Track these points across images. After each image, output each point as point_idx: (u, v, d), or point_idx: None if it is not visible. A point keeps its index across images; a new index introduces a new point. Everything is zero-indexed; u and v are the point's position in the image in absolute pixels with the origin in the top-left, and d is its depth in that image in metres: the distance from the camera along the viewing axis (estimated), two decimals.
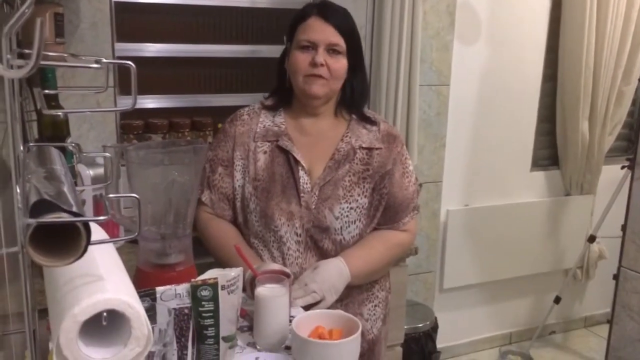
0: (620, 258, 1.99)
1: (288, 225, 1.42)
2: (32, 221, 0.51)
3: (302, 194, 1.43)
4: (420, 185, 1.58)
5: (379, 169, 1.47)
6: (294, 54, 1.44)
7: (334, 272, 1.38)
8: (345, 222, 1.44)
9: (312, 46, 1.41)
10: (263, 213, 1.43)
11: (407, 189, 1.51)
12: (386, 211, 1.49)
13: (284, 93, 1.52)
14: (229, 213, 1.50)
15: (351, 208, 1.44)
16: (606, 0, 2.75)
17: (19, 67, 0.51)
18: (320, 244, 1.44)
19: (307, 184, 1.44)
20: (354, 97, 1.51)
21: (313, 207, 1.43)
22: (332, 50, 1.41)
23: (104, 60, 0.58)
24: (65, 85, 1.95)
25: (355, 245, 1.46)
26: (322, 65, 1.40)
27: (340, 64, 1.43)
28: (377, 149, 1.48)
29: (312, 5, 1.46)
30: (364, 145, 1.48)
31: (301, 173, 1.44)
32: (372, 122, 1.52)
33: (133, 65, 0.61)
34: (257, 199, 1.44)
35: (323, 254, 1.45)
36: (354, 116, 1.52)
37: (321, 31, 1.41)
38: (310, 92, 1.43)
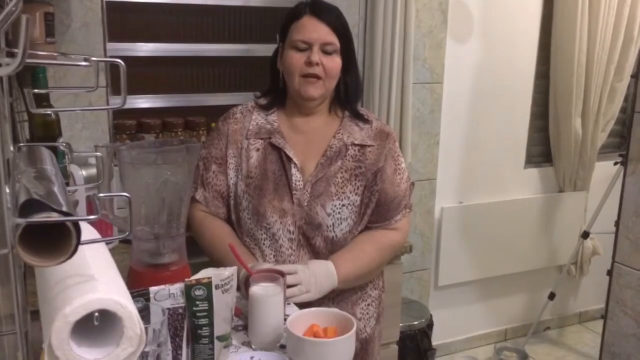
0: (614, 254, 1.99)
1: (280, 223, 1.42)
2: (22, 221, 0.51)
3: (294, 191, 1.43)
4: (413, 183, 1.58)
5: (371, 167, 1.47)
6: (288, 54, 1.43)
7: (323, 272, 1.38)
8: (337, 219, 1.44)
9: (307, 46, 1.41)
10: (255, 210, 1.43)
11: (398, 185, 1.50)
12: (377, 208, 1.49)
13: (277, 93, 1.52)
14: (223, 211, 1.50)
15: (343, 205, 1.44)
16: None
17: (7, 65, 0.51)
18: (312, 241, 1.44)
19: (299, 181, 1.44)
20: (348, 94, 1.51)
21: (305, 204, 1.43)
22: (326, 49, 1.41)
23: (93, 58, 0.57)
24: (56, 86, 1.94)
25: (345, 248, 1.46)
26: (317, 64, 1.40)
27: (335, 62, 1.43)
28: (369, 146, 1.48)
29: (305, 4, 1.45)
30: (356, 142, 1.48)
31: (293, 170, 1.44)
32: (365, 120, 1.52)
33: (122, 63, 0.60)
34: (249, 196, 1.44)
35: (315, 251, 1.45)
36: (346, 113, 1.52)
37: (315, 30, 1.41)
38: (306, 94, 1.42)
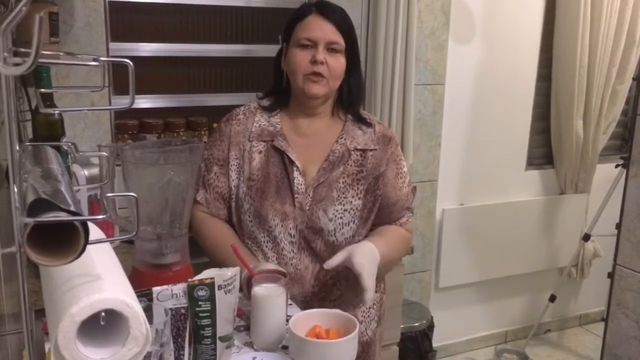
0: (615, 256, 1.99)
1: (282, 226, 1.42)
2: (30, 220, 0.51)
3: (296, 195, 1.42)
4: (415, 187, 1.57)
5: (373, 171, 1.46)
6: (293, 52, 1.43)
7: (375, 261, 1.32)
8: (339, 223, 1.43)
9: (312, 44, 1.40)
10: (257, 213, 1.43)
11: (400, 189, 1.50)
12: (380, 211, 1.49)
13: (281, 94, 1.51)
14: (224, 212, 1.49)
15: (345, 210, 1.43)
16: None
17: (16, 64, 0.51)
18: (313, 245, 1.43)
19: (301, 184, 1.43)
20: (351, 96, 1.50)
21: (307, 208, 1.42)
22: (331, 48, 1.41)
23: (102, 58, 0.58)
24: (59, 85, 1.94)
25: (373, 235, 1.44)
26: (322, 63, 1.39)
27: (339, 62, 1.42)
28: (371, 150, 1.47)
29: (310, 4, 1.45)
30: (358, 147, 1.47)
31: (296, 174, 1.43)
32: (368, 124, 1.51)
33: (131, 63, 0.60)
34: (251, 199, 1.43)
35: (316, 255, 1.44)
36: (349, 116, 1.51)
37: (321, 29, 1.40)
38: (309, 92, 1.41)
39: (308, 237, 1.43)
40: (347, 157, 1.45)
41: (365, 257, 1.30)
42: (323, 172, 1.44)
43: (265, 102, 1.53)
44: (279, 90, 1.51)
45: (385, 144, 1.50)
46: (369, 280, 1.26)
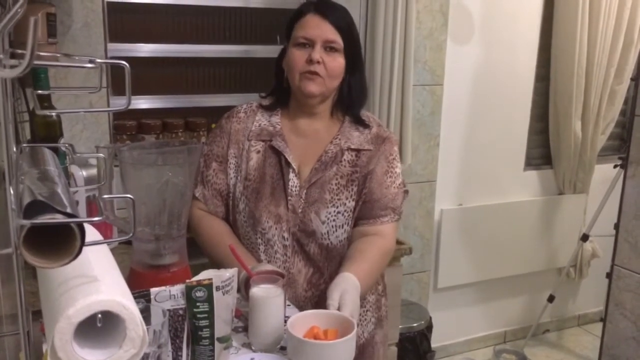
0: (614, 256, 1.99)
1: (276, 229, 1.41)
2: (26, 222, 0.51)
3: (289, 197, 1.41)
4: (407, 191, 1.52)
5: (363, 169, 1.44)
6: (290, 51, 1.42)
7: (356, 295, 1.26)
8: (332, 226, 1.41)
9: (309, 43, 1.39)
10: (251, 214, 1.42)
11: (387, 188, 1.45)
12: (362, 205, 1.44)
13: (281, 93, 1.50)
14: (221, 210, 1.48)
15: (338, 212, 1.41)
16: None
17: (12, 66, 0.51)
18: (307, 248, 1.42)
19: (295, 186, 1.42)
20: (352, 97, 1.48)
21: (299, 210, 1.41)
22: (329, 47, 1.39)
23: (98, 60, 0.58)
24: (57, 86, 1.94)
25: (355, 257, 1.36)
26: (318, 62, 1.38)
27: (337, 62, 1.41)
28: (365, 150, 1.45)
29: (310, 3, 1.45)
30: (352, 147, 1.45)
31: (291, 175, 1.42)
32: (366, 125, 1.49)
33: (127, 65, 0.60)
34: (246, 199, 1.43)
35: (310, 258, 1.43)
36: (347, 118, 1.50)
37: (318, 28, 1.39)
38: (306, 90, 1.40)
39: (301, 240, 1.42)
40: (340, 157, 1.44)
41: (355, 303, 1.23)
42: (315, 173, 1.43)
43: (266, 102, 1.52)
44: (280, 89, 1.51)
45: (379, 143, 1.48)
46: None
